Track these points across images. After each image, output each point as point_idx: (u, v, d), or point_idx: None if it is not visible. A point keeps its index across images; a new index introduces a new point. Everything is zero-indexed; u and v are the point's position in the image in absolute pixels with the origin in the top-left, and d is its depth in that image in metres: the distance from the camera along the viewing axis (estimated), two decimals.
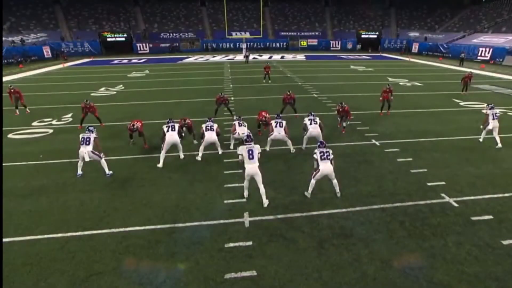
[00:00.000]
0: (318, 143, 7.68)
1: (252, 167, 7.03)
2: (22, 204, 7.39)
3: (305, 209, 7.17)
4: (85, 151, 8.38)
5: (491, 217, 6.77)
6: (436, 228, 6.48)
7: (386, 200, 7.49)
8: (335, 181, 7.52)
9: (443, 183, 8.28)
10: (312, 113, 10.54)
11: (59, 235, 6.26)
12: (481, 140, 11.19)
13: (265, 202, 7.22)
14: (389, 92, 14.14)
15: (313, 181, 7.48)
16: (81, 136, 8.57)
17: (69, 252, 5.77)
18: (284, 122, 10.09)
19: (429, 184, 8.25)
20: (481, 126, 11.22)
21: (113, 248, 5.91)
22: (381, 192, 7.89)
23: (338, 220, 6.79)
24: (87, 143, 8.48)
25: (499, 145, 10.57)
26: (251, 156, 7.01)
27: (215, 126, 9.84)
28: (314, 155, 7.41)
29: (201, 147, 9.80)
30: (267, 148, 10.32)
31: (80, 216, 6.90)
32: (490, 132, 10.79)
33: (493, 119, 10.60)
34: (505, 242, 5.97)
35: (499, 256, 5.62)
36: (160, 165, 9.29)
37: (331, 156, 7.34)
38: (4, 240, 6.04)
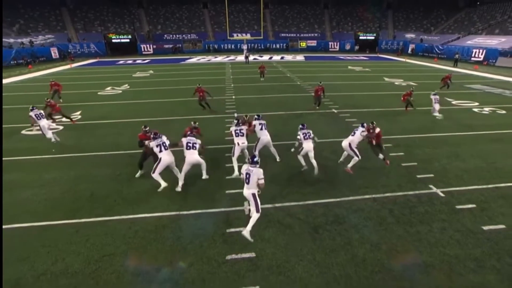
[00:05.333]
0: (300, 126, 8.84)
1: (245, 191, 6.17)
2: (37, 194, 7.72)
3: (301, 198, 7.48)
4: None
5: (474, 205, 7.10)
6: (423, 215, 6.80)
7: (378, 191, 7.80)
8: (313, 160, 8.61)
9: (432, 175, 8.59)
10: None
11: (73, 221, 6.60)
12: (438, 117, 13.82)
13: (248, 230, 6.05)
14: (409, 95, 15.00)
15: (299, 157, 8.78)
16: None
17: (83, 236, 6.12)
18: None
19: (418, 176, 8.56)
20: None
21: (123, 232, 6.25)
22: (373, 183, 8.19)
23: (332, 208, 7.11)
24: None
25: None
26: (247, 181, 6.05)
27: (198, 142, 8.08)
28: (298, 136, 8.68)
29: (183, 173, 7.97)
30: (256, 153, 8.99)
31: (91, 205, 7.23)
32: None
33: (435, 103, 13.81)
34: (485, 228, 6.30)
35: (479, 240, 5.95)
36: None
37: (312, 135, 8.68)
38: (23, 225, 6.39)
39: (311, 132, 8.72)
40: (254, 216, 6.03)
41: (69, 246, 5.82)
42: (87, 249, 5.74)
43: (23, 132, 12.24)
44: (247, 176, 6.03)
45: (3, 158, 9.83)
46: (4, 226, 6.34)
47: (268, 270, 5.30)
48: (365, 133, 8.44)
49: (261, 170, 6.03)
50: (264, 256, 5.60)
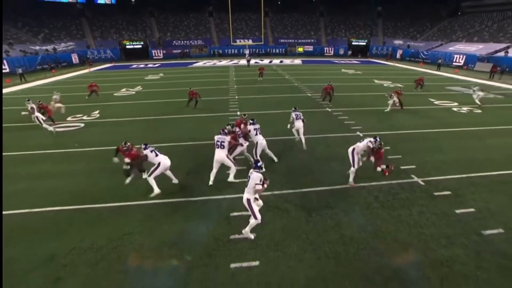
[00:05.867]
0: (293, 108, 10.44)
1: (244, 195, 5.70)
2: (63, 182, 7.98)
3: (297, 187, 7.71)
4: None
5: (449, 192, 7.32)
6: (404, 201, 7.02)
7: (365, 180, 7.98)
8: (302, 136, 10.07)
9: (414, 166, 8.78)
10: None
11: (95, 205, 6.86)
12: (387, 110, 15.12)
13: (247, 230, 5.81)
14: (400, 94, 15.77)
15: (293, 130, 10.29)
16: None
17: (105, 218, 6.38)
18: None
19: (402, 167, 8.74)
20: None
21: (139, 216, 6.50)
22: (361, 174, 8.27)
23: (325, 195, 7.33)
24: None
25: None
26: (247, 184, 5.67)
27: (227, 139, 7.78)
28: (291, 117, 10.21)
29: (214, 170, 7.79)
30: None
31: (109, 193, 7.44)
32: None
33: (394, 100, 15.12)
34: (458, 211, 6.53)
35: (451, 222, 6.19)
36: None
37: (302, 117, 10.10)
38: (53, 208, 6.64)
39: (301, 114, 10.20)
40: (252, 221, 5.63)
41: (93, 226, 6.09)
42: (109, 229, 6.00)
43: (50, 128, 12.47)
44: (248, 179, 5.65)
45: (34, 152, 10.15)
46: (36, 210, 6.64)
47: (267, 247, 5.55)
48: (372, 145, 7.69)
49: (259, 175, 5.49)
50: (264, 236, 5.84)
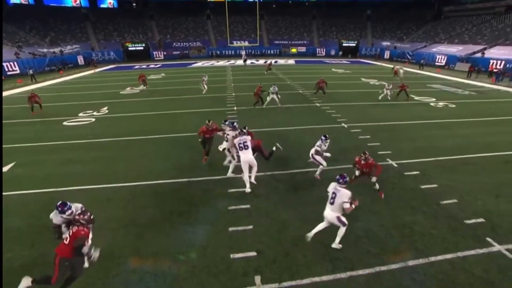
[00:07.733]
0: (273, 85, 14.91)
1: (329, 213, 5.22)
2: (83, 168, 8.65)
3: (286, 168, 8.43)
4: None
5: (418, 172, 8.09)
6: (379, 179, 7.73)
7: (347, 163, 8.60)
8: (276, 101, 14.69)
9: (390, 152, 9.52)
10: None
11: (113, 185, 7.54)
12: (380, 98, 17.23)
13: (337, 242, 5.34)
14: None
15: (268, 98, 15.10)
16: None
17: (121, 194, 7.07)
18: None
19: (379, 152, 9.47)
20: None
21: (150, 193, 7.20)
22: (344, 158, 9.01)
23: (310, 176, 8.03)
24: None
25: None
26: (332, 201, 5.10)
27: (248, 139, 7.21)
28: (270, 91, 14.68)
29: (245, 173, 7.12)
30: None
31: (125, 175, 8.11)
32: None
33: (387, 89, 17.28)
34: (423, 187, 7.32)
35: (416, 195, 6.96)
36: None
37: (276, 90, 15.02)
38: (79, 187, 7.28)
39: (276, 88, 15.09)
40: (342, 229, 5.18)
41: (111, 202, 6.76)
42: (126, 203, 6.69)
43: (64, 123, 13.07)
44: (333, 196, 4.95)
45: (53, 142, 10.78)
46: (63, 188, 7.31)
47: (259, 216, 6.26)
48: (325, 147, 7.66)
49: (348, 193, 4.82)
50: (257, 207, 6.56)
